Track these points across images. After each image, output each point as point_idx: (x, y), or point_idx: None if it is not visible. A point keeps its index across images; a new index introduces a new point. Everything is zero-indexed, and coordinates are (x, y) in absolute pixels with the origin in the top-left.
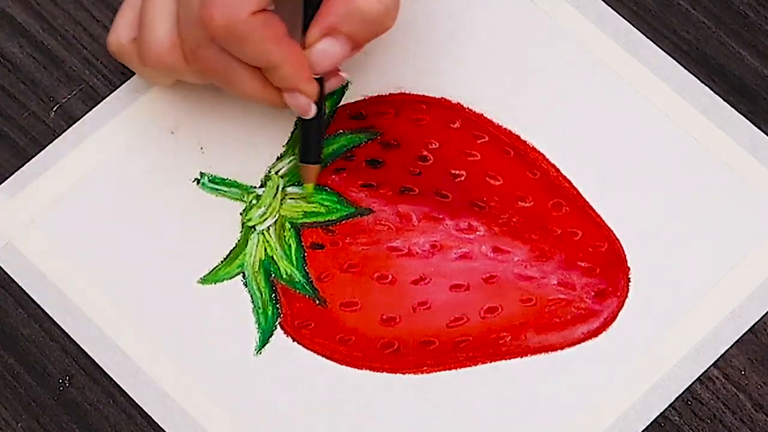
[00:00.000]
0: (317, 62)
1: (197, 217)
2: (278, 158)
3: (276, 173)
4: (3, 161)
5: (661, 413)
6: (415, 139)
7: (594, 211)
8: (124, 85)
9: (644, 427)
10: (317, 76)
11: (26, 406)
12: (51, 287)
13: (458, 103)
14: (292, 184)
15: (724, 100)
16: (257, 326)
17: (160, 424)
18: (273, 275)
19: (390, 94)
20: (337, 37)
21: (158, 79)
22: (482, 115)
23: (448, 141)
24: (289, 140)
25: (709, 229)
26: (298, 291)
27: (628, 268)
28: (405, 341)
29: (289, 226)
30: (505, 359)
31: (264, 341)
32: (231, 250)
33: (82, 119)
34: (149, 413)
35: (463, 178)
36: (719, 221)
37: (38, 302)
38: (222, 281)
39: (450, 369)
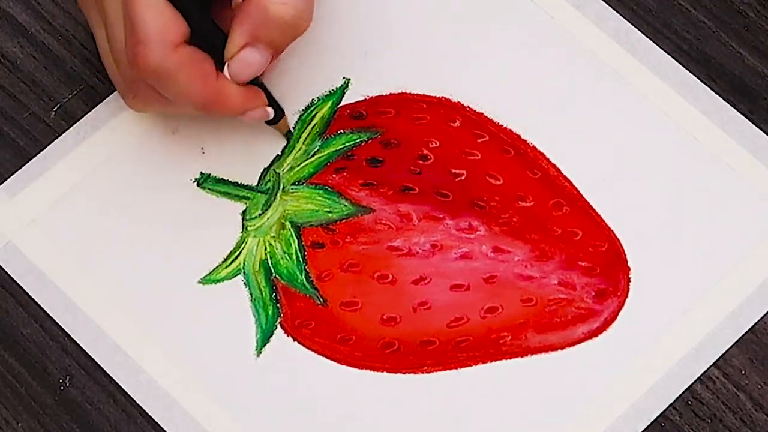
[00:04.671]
0: (238, 73)
1: (197, 217)
2: (278, 158)
3: (276, 173)
4: (3, 161)
5: (661, 413)
6: (415, 138)
7: (594, 211)
8: None
9: (644, 427)
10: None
11: (26, 406)
12: (51, 287)
13: (459, 102)
14: (292, 184)
15: (724, 100)
16: (257, 326)
17: (160, 424)
18: (273, 275)
19: (390, 93)
20: (257, 46)
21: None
22: (483, 114)
23: (449, 140)
24: (289, 140)
25: (709, 229)
26: (298, 290)
27: (628, 268)
28: (405, 341)
29: (290, 225)
30: (505, 359)
31: (264, 341)
32: (231, 250)
33: (82, 119)
34: (149, 413)
35: (463, 178)
36: (719, 221)
37: (38, 302)
38: (222, 281)
39: (450, 369)
